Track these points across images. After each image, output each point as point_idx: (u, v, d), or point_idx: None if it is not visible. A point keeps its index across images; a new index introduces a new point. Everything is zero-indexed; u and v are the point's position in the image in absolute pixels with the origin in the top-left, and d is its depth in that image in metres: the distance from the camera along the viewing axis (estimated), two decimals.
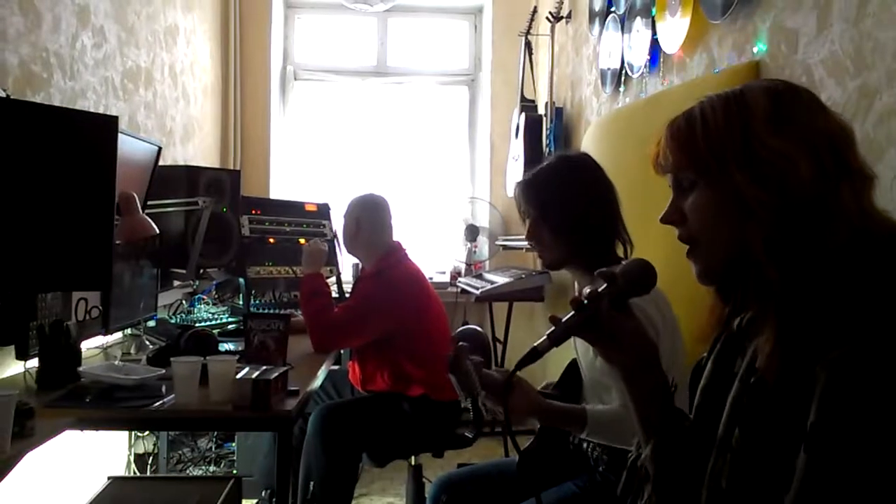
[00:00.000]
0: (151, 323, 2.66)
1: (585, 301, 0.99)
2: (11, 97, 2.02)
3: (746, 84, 0.95)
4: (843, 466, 0.74)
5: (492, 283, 3.88)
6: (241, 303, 3.14)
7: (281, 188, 4.65)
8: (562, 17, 3.90)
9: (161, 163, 2.53)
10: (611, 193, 1.74)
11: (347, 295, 3.03)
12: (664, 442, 0.98)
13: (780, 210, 0.85)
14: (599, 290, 0.99)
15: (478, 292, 3.81)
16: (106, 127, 1.80)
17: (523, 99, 4.25)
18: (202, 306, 3.01)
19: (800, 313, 0.82)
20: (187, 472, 3.21)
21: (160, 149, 2.51)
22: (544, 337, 1.01)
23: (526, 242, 3.82)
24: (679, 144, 0.94)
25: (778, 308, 0.84)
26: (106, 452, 2.76)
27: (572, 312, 1.00)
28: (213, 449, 3.37)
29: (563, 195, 1.69)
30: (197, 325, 2.63)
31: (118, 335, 2.55)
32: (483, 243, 4.76)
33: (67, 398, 1.82)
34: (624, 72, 3.00)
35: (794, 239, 0.85)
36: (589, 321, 0.98)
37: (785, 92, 0.92)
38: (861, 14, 1.61)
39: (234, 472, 3.14)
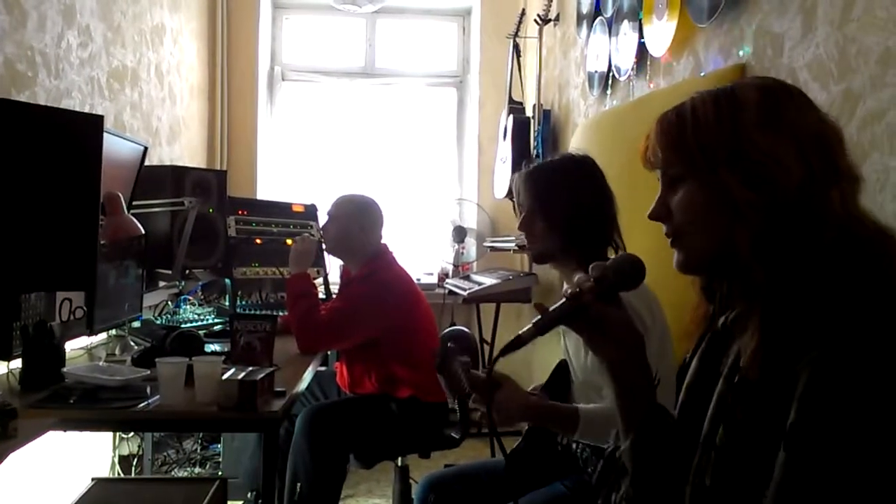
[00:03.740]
0: (136, 324, 2.64)
1: (576, 290, 0.98)
2: None
3: (738, 81, 0.96)
4: (821, 466, 0.75)
5: (479, 284, 3.88)
6: (227, 304, 3.12)
7: (268, 189, 4.63)
8: (550, 20, 3.91)
9: (147, 163, 2.52)
10: (609, 197, 1.76)
11: (335, 296, 3.02)
12: (643, 437, 0.97)
13: (768, 211, 0.86)
14: (589, 280, 0.99)
15: (465, 294, 3.80)
16: (91, 126, 1.78)
17: (511, 101, 4.26)
18: (188, 307, 2.99)
19: (784, 313, 0.83)
20: (172, 473, 3.19)
21: (146, 149, 2.50)
22: (530, 325, 1.00)
23: (514, 244, 3.86)
24: (669, 140, 0.94)
25: (763, 307, 0.85)
26: (90, 454, 2.74)
27: (561, 301, 0.99)
28: (199, 450, 3.35)
29: (561, 190, 1.72)
30: (182, 325, 2.61)
31: (103, 336, 2.53)
32: (470, 245, 4.76)
33: (51, 399, 1.80)
34: (611, 74, 3.01)
35: (780, 240, 0.85)
36: (577, 311, 0.98)
37: (777, 90, 0.92)
38: (845, 18, 1.63)
39: (220, 473, 3.12)
